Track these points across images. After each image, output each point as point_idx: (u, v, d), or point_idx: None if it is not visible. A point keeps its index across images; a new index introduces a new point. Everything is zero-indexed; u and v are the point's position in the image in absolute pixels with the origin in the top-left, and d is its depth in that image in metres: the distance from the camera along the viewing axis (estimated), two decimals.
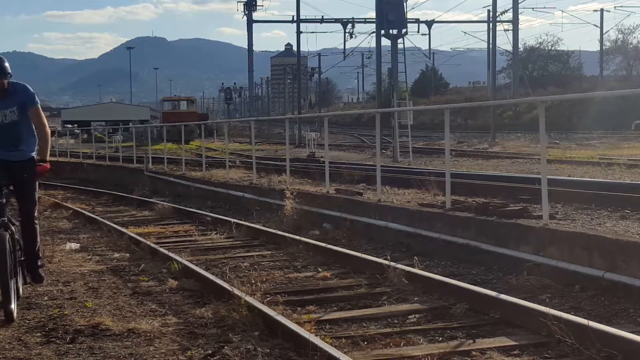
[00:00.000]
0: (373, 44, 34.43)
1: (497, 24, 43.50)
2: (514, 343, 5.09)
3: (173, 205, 14.82)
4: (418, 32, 47.45)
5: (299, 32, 49.52)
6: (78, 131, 51.87)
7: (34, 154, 6.51)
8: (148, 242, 9.79)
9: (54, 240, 10.88)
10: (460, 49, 71.12)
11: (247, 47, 58.09)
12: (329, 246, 8.84)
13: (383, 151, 22.49)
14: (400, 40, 29.23)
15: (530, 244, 7.35)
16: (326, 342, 5.09)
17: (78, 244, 10.54)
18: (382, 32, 28.51)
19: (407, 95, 32.09)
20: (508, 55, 58.40)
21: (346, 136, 51.88)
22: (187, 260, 8.43)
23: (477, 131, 45.86)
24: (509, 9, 45.95)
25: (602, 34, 65.96)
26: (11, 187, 6.36)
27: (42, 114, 6.52)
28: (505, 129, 44.03)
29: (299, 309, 6.34)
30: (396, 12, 27.51)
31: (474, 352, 4.96)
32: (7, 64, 6.26)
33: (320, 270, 8.03)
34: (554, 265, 6.89)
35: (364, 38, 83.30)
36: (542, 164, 7.89)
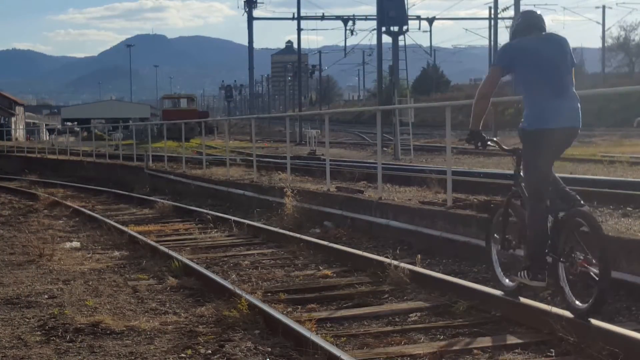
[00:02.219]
0: (374, 41, 34.34)
1: (499, 20, 43.46)
2: (515, 341, 5.07)
3: (173, 203, 14.79)
4: (419, 29, 47.30)
5: (299, 30, 49.53)
6: (78, 129, 51.90)
7: None
8: (148, 240, 9.76)
9: (54, 238, 10.85)
10: (462, 46, 71.23)
11: (247, 44, 58.06)
12: (330, 244, 8.82)
13: (384, 149, 22.44)
14: (401, 37, 29.25)
15: None
16: (327, 340, 5.07)
17: (78, 242, 10.53)
18: (383, 29, 28.51)
19: (408, 92, 32.11)
20: None
21: (347, 134, 51.88)
22: (187, 258, 8.41)
23: None
24: (510, 6, 45.93)
25: (604, 30, 65.87)
26: None
27: None
28: (507, 127, 43.91)
29: (299, 307, 6.32)
30: (397, 9, 27.52)
31: (475, 351, 4.94)
32: None
33: (321, 268, 8.01)
34: None
35: (365, 35, 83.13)
36: None
